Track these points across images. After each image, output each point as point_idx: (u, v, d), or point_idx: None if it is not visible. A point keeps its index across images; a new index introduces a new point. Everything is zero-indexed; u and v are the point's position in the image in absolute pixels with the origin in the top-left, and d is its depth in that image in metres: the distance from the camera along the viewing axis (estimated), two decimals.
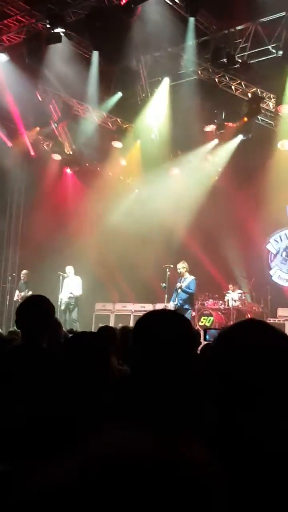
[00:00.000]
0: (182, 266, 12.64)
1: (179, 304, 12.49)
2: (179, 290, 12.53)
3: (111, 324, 14.47)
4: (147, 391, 1.66)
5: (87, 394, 2.19)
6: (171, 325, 1.75)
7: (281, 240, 16.03)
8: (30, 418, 2.18)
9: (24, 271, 14.72)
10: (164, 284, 13.39)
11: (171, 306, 12.57)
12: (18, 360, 2.85)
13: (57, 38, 11.36)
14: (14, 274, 16.01)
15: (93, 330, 8.63)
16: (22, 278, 14.70)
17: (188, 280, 12.61)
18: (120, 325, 12.83)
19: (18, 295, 14.29)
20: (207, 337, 6.81)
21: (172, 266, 13.51)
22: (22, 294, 13.94)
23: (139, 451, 0.67)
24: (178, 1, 10.93)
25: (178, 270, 12.70)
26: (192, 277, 12.71)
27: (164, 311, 1.97)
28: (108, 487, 0.63)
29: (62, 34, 11.34)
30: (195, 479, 0.66)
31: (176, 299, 12.59)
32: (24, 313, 3.11)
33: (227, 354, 1.44)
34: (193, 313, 15.07)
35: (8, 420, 2.14)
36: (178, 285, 12.60)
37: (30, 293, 13.62)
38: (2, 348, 3.85)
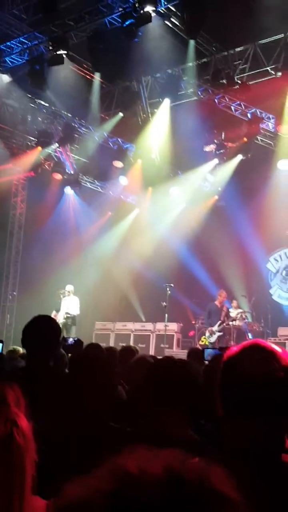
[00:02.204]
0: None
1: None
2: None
3: (111, 343, 14.43)
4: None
5: (93, 414, 2.18)
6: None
7: (281, 259, 16.07)
8: (41, 435, 2.18)
9: (65, 289, 13.98)
10: (164, 303, 13.37)
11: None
12: (26, 380, 2.84)
13: (59, 60, 11.51)
14: (14, 293, 15.98)
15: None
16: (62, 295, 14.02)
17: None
18: (121, 344, 12.82)
19: (54, 315, 13.84)
20: (206, 356, 6.80)
21: (172, 285, 13.51)
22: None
23: (164, 474, 0.67)
24: (178, 24, 11.11)
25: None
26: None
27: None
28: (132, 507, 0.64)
29: (64, 55, 11.49)
30: (219, 506, 0.66)
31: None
32: (30, 333, 3.12)
33: (234, 383, 1.50)
34: (193, 332, 15.08)
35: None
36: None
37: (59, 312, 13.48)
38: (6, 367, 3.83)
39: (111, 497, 0.65)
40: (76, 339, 5.99)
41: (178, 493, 0.66)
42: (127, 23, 10.43)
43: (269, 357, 1.51)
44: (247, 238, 15.15)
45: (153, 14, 10.21)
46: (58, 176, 15.92)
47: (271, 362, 1.50)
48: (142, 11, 10.12)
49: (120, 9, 10.74)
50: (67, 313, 13.57)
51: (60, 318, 13.56)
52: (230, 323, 13.80)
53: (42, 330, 3.12)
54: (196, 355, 5.49)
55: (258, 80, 12.77)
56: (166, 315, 13.46)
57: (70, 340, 5.93)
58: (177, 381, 1.97)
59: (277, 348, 1.56)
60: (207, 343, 13.57)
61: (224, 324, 13.48)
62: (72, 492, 0.68)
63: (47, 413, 2.19)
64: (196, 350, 5.91)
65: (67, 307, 13.74)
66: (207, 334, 13.58)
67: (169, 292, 13.33)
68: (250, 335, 14.08)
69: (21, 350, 5.06)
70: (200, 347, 12.99)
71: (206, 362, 6.04)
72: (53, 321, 3.21)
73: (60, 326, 11.61)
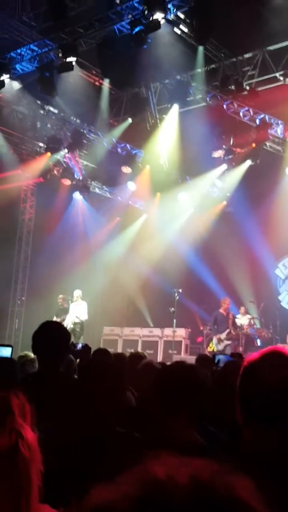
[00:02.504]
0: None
1: None
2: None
3: (119, 349, 14.43)
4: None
5: (101, 419, 2.19)
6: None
7: None
8: (49, 441, 2.19)
9: (60, 296, 14.36)
10: (172, 309, 13.36)
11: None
12: (36, 385, 2.86)
13: (69, 67, 11.58)
14: (23, 298, 16.04)
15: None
16: (59, 303, 14.33)
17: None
18: (129, 350, 12.82)
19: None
20: (218, 362, 6.78)
21: (180, 290, 13.50)
22: (59, 319, 13.59)
23: (193, 481, 0.68)
24: (187, 31, 11.15)
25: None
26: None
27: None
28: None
29: (73, 62, 11.56)
30: None
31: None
32: (41, 339, 3.14)
33: (254, 390, 1.51)
34: (202, 338, 15.04)
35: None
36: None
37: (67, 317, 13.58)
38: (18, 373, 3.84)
39: (138, 503, 0.65)
40: (84, 344, 5.99)
41: (205, 503, 0.66)
42: (136, 30, 10.49)
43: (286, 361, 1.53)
44: (255, 244, 15.12)
45: (162, 21, 10.25)
46: (67, 182, 15.99)
47: None
48: (151, 18, 10.16)
49: (130, 16, 10.80)
50: (77, 317, 13.59)
51: (68, 324, 13.61)
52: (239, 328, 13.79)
53: (52, 336, 3.14)
54: (205, 361, 5.49)
55: (266, 86, 12.81)
56: (175, 320, 13.44)
57: (79, 345, 5.93)
58: (183, 385, 1.98)
59: None
60: (215, 350, 13.54)
61: (232, 333, 13.46)
62: (99, 496, 0.68)
63: (57, 418, 2.20)
64: (204, 357, 5.90)
65: (76, 312, 13.76)
66: (215, 341, 13.55)
67: (177, 297, 13.31)
68: (259, 341, 14.04)
69: (31, 355, 5.08)
70: (208, 354, 12.98)
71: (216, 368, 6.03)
72: (62, 327, 3.23)
73: (69, 331, 11.66)
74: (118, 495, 0.67)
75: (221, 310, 13.76)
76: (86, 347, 5.97)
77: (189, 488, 0.66)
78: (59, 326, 3.22)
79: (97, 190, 17.13)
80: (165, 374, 2.14)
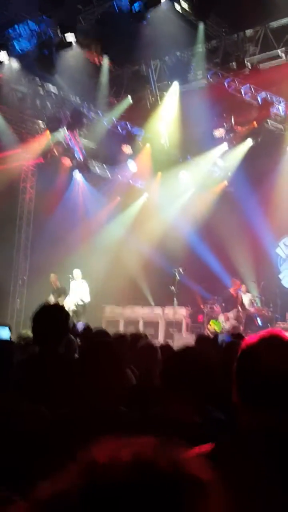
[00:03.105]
0: None
1: None
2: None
3: (121, 328, 14.51)
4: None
5: (102, 399, 2.22)
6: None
7: None
8: (53, 421, 2.22)
9: (52, 275, 14.16)
10: (173, 287, 13.40)
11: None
12: (38, 366, 2.89)
13: (67, 44, 11.43)
14: (25, 278, 16.08)
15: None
16: (52, 283, 14.17)
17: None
18: (130, 329, 12.89)
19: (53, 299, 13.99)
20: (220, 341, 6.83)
21: (181, 268, 13.52)
22: (55, 299, 13.62)
23: (133, 459, 0.68)
24: (187, 7, 10.96)
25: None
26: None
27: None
28: (102, 493, 0.65)
29: (72, 40, 11.40)
30: (192, 490, 0.67)
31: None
32: (39, 321, 3.16)
33: (252, 373, 1.53)
34: (202, 317, 15.11)
35: (31, 423, 2.18)
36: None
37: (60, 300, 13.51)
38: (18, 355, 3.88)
39: (85, 489, 0.66)
40: (85, 325, 6.03)
41: (149, 479, 0.66)
42: (135, 6, 10.32)
43: (287, 347, 1.54)
44: (256, 223, 15.10)
45: None
46: (67, 161, 15.90)
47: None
48: None
49: None
50: (81, 299, 13.59)
51: (71, 305, 13.64)
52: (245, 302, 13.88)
53: (51, 318, 3.16)
54: (205, 342, 5.51)
55: (268, 63, 12.60)
56: (175, 299, 13.49)
57: (79, 325, 5.97)
58: (188, 369, 2.00)
59: None
60: (216, 328, 13.61)
61: (240, 313, 13.55)
62: (45, 490, 0.68)
63: (58, 399, 2.23)
64: (204, 337, 5.92)
65: (78, 293, 13.75)
66: (222, 318, 13.60)
67: (177, 276, 13.33)
68: (259, 320, 14.11)
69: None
70: (209, 333, 13.05)
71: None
72: (62, 309, 3.25)
73: (70, 312, 11.55)
74: (64, 486, 0.67)
75: (231, 290, 13.82)
76: (87, 328, 6.02)
77: (131, 467, 0.67)
78: (58, 308, 3.24)
79: (97, 170, 17.04)
80: (176, 358, 2.16)
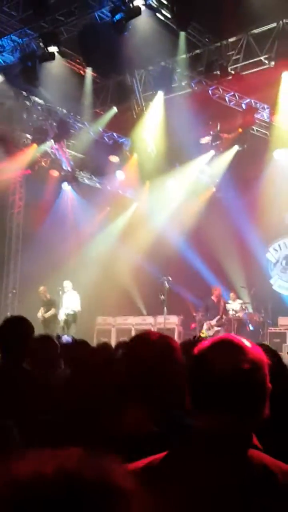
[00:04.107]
0: None
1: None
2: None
3: (113, 338, 14.47)
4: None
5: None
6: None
7: (281, 249, 16.05)
8: (20, 431, 2.20)
9: (41, 288, 14.19)
10: (162, 296, 13.39)
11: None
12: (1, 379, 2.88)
13: (50, 56, 11.47)
14: (15, 291, 16.02)
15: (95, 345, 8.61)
16: (41, 295, 14.20)
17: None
18: (122, 339, 12.85)
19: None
20: None
21: (170, 277, 13.52)
22: (46, 312, 13.77)
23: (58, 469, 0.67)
24: (169, 16, 11.04)
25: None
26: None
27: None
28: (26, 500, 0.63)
29: (55, 51, 11.44)
30: (116, 500, 0.66)
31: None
32: (3, 334, 3.16)
33: (202, 376, 1.54)
34: (195, 325, 15.09)
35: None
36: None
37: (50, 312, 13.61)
38: None
39: (10, 506, 0.64)
40: (72, 338, 5.98)
41: (75, 491, 0.65)
42: (117, 17, 10.39)
43: (237, 352, 1.53)
44: (246, 228, 15.14)
45: (142, 8, 10.15)
46: (55, 173, 15.92)
47: (239, 356, 1.52)
48: (131, 5, 10.06)
49: (110, 3, 10.68)
50: (72, 310, 13.60)
51: (62, 315, 13.63)
52: (231, 314, 13.85)
53: (15, 331, 3.15)
54: (188, 346, 5.46)
55: (251, 70, 12.68)
56: (165, 308, 13.47)
57: (65, 338, 5.93)
58: (136, 373, 1.95)
59: (247, 343, 1.58)
60: (207, 336, 13.58)
61: (223, 319, 13.59)
62: None
63: (18, 412, 2.21)
64: (188, 342, 5.88)
65: (68, 303, 13.77)
66: (205, 327, 13.63)
67: (167, 284, 13.32)
68: (251, 326, 14.09)
69: None
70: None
71: None
72: (25, 321, 3.24)
73: (62, 323, 11.55)
74: None
75: (213, 297, 13.85)
76: (73, 340, 5.97)
77: (56, 480, 0.66)
78: (21, 320, 3.24)
79: (86, 180, 17.06)
80: (120, 363, 2.10)
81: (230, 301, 14.20)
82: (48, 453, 0.71)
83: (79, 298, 13.93)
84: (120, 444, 1.70)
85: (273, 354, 1.93)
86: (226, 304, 14.09)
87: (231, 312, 13.94)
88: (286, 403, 2.29)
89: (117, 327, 15.64)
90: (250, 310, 14.50)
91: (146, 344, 2.05)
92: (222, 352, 1.54)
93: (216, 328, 13.45)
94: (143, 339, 2.08)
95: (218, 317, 13.56)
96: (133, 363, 2.00)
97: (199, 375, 1.54)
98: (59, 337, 5.76)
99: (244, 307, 14.19)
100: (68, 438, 1.92)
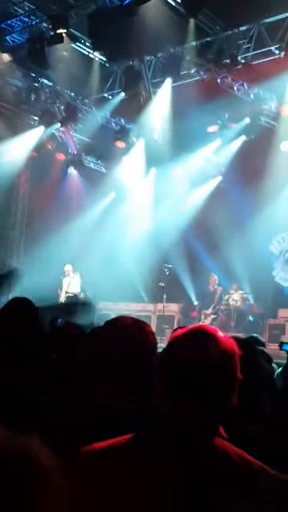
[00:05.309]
0: None
1: None
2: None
3: None
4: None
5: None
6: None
7: (284, 241, 16.00)
8: None
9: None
10: (162, 284, 13.44)
11: None
12: None
13: (59, 39, 11.41)
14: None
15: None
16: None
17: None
18: None
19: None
20: None
21: (170, 265, 13.55)
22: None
23: None
24: (179, 1, 10.92)
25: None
26: None
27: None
28: None
29: (64, 34, 11.38)
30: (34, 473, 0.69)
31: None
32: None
33: (172, 364, 1.56)
34: (195, 313, 15.13)
35: None
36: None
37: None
38: None
39: None
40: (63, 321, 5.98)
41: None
42: (127, 0, 10.30)
43: (209, 341, 1.55)
44: (250, 219, 15.07)
45: None
46: (61, 156, 15.90)
47: (211, 346, 1.54)
48: None
49: None
50: (67, 292, 13.67)
51: (61, 298, 13.71)
52: (231, 303, 13.87)
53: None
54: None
55: (261, 60, 12.57)
56: (165, 295, 13.51)
57: (60, 321, 5.94)
58: (111, 353, 1.97)
59: (220, 333, 1.59)
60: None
61: (217, 307, 13.63)
62: None
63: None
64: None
65: (71, 287, 13.83)
66: (202, 316, 13.69)
67: (167, 272, 13.36)
68: (250, 317, 14.12)
69: None
70: None
71: None
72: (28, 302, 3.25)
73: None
74: None
75: (209, 286, 13.90)
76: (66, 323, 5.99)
77: None
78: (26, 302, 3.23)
79: (91, 165, 17.04)
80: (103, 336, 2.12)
81: (232, 292, 14.21)
82: None
83: (80, 280, 13.98)
84: (89, 423, 1.74)
85: (246, 347, 1.95)
86: (227, 295, 14.09)
87: (231, 302, 13.96)
88: (256, 393, 2.32)
89: (118, 313, 15.66)
90: (252, 301, 14.51)
91: (120, 326, 2.09)
92: (194, 341, 1.56)
93: (212, 316, 13.51)
94: (117, 322, 2.12)
95: (213, 304, 13.63)
96: (105, 345, 2.04)
97: (170, 362, 1.56)
98: (53, 320, 5.79)
99: (245, 297, 14.21)
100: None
